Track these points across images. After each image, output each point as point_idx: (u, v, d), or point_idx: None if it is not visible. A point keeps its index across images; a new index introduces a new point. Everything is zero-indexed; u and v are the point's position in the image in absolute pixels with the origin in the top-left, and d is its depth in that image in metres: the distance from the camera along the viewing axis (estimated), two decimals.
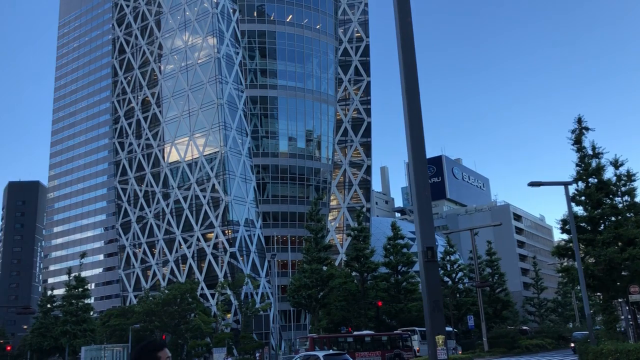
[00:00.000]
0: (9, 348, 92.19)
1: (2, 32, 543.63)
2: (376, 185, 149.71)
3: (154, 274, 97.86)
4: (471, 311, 59.45)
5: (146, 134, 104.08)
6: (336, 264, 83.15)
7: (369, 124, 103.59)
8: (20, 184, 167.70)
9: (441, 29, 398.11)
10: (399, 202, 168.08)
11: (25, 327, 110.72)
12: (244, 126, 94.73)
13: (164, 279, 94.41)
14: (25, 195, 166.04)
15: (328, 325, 58.86)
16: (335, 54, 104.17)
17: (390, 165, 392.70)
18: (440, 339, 8.87)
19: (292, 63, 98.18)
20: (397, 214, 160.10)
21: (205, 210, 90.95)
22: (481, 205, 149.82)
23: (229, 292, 74.83)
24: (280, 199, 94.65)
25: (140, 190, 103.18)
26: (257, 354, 61.54)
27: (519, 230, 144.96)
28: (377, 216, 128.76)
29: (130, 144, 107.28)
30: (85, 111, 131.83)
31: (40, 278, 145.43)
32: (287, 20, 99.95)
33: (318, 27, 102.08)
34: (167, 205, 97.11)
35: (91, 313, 74.59)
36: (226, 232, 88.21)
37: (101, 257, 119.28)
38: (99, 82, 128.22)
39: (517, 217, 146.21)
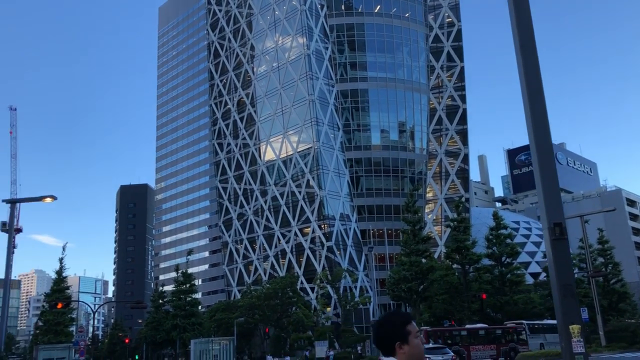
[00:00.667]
0: (127, 341, 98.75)
1: (107, 52, 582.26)
2: (474, 175, 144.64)
3: (256, 269, 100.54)
4: (583, 303, 55.52)
5: (242, 134, 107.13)
6: (435, 256, 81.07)
7: (465, 110, 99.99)
8: (131, 188, 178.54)
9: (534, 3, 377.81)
10: (499, 192, 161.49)
11: (140, 321, 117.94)
12: (336, 120, 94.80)
13: (265, 274, 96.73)
14: (135, 198, 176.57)
15: (430, 319, 57.33)
16: (425, 41, 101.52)
17: (489, 154, 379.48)
18: (575, 328, 7.76)
19: (381, 54, 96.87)
20: (498, 204, 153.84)
21: (301, 206, 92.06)
22: (589, 191, 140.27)
23: (327, 285, 75.19)
24: (375, 192, 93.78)
25: (240, 189, 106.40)
26: (359, 348, 61.24)
27: (634, 217, 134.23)
28: (477, 207, 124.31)
29: (228, 144, 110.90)
30: (185, 116, 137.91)
31: (152, 275, 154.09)
32: (375, 11, 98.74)
33: (407, 15, 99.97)
34: (265, 201, 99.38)
35: (199, 307, 77.58)
36: (322, 226, 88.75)
37: (206, 254, 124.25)
38: (197, 87, 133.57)
39: (631, 203, 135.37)
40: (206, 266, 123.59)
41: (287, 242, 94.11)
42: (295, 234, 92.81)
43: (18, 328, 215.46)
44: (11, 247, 30.33)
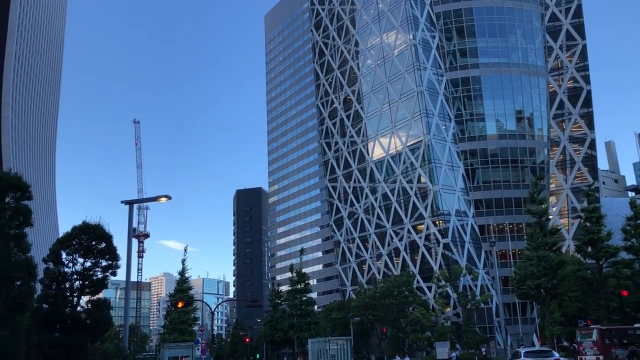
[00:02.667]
0: (247, 340, 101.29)
1: (217, 62, 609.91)
2: (602, 163, 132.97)
3: (369, 268, 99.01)
4: None
5: (350, 132, 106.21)
6: (563, 250, 74.69)
7: (589, 92, 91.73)
8: (246, 191, 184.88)
9: None
10: (631, 180, 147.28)
11: (259, 320, 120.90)
12: (447, 111, 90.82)
13: (379, 273, 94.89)
14: (250, 201, 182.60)
15: (561, 319, 52.41)
16: (541, 21, 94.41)
17: (617, 139, 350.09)
18: None
19: (493, 38, 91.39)
20: (631, 193, 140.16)
21: (414, 202, 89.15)
22: None
23: (445, 284, 71.78)
24: (493, 184, 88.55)
25: (349, 187, 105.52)
26: (483, 349, 57.53)
27: None
28: (606, 197, 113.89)
29: (336, 142, 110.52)
30: (294, 119, 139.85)
31: (269, 275, 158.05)
32: None
33: None
34: (376, 199, 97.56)
35: (315, 307, 77.43)
36: (437, 222, 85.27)
37: (320, 254, 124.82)
38: (305, 89, 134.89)
39: None
40: (320, 266, 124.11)
41: (400, 240, 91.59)
42: (409, 232, 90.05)
43: (150, 327, 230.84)
44: (130, 247, 31.03)
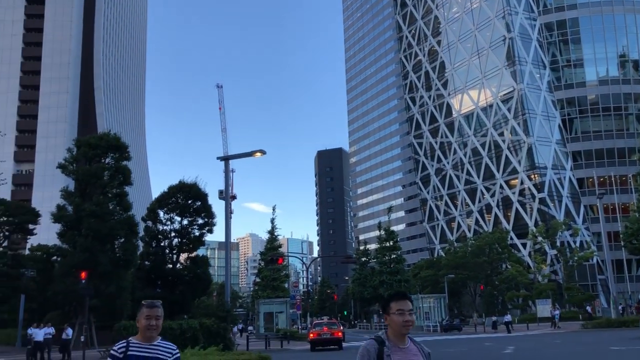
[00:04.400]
0: (335, 297, 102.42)
1: (294, 21, 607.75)
2: None
3: (459, 225, 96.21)
4: None
5: (436, 85, 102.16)
6: None
7: None
8: (327, 152, 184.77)
9: None
10: None
11: (347, 278, 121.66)
12: (541, 58, 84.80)
13: (469, 230, 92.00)
14: (331, 162, 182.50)
15: None
16: None
17: None
18: None
19: None
20: None
21: (506, 156, 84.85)
22: None
23: (542, 240, 68.26)
24: (593, 134, 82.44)
25: (436, 143, 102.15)
26: (588, 307, 54.29)
27: None
28: None
29: (421, 97, 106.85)
30: (374, 76, 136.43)
31: (352, 235, 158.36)
32: None
33: None
34: (465, 154, 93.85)
35: (404, 265, 76.40)
36: (532, 176, 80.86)
37: (402, 213, 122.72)
38: (384, 45, 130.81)
39: None
40: (403, 225, 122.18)
41: (492, 196, 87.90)
42: (501, 187, 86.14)
43: (239, 285, 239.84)
44: (228, 203, 30.77)
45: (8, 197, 68.76)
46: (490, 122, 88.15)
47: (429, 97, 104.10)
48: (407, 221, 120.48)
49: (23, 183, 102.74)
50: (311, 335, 29.49)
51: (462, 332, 50.49)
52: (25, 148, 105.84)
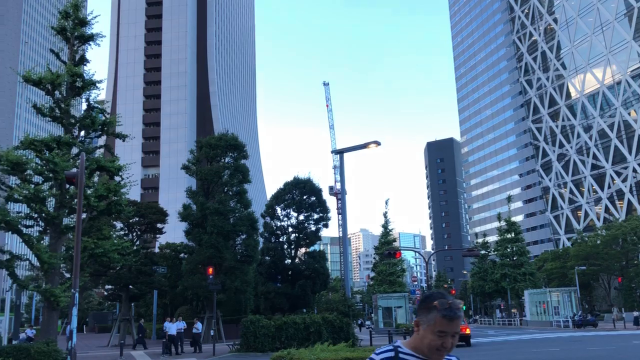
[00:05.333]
0: (453, 292, 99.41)
1: (398, 10, 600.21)
2: None
3: (586, 214, 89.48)
4: None
5: (554, 65, 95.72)
6: None
7: None
8: (437, 143, 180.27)
9: None
10: None
11: (464, 272, 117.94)
12: None
13: (598, 219, 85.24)
14: (442, 153, 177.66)
15: None
16: None
17: None
18: None
19: None
20: None
21: (639, 136, 77.51)
22: None
23: None
24: None
25: (557, 126, 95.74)
26: None
27: None
28: None
29: (538, 79, 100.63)
30: (484, 62, 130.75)
31: (467, 228, 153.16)
32: None
33: None
34: (590, 137, 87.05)
35: (528, 257, 72.42)
36: None
37: (520, 204, 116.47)
38: (494, 28, 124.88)
39: None
40: (521, 216, 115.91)
41: (623, 181, 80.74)
42: (634, 171, 78.83)
43: (353, 280, 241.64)
44: (344, 195, 30.42)
45: (138, 200, 73.84)
46: (619, 101, 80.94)
47: (547, 79, 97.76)
48: (526, 211, 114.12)
49: (150, 187, 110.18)
50: None
51: (598, 328, 46.62)
52: (150, 154, 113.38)
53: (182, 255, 44.40)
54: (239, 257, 36.70)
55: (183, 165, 37.64)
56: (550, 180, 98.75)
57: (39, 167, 22.99)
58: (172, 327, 27.33)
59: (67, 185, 22.56)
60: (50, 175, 23.07)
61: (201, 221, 35.60)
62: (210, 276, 28.70)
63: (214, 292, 28.36)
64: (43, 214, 22.64)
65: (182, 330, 28.43)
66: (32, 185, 22.73)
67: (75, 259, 15.57)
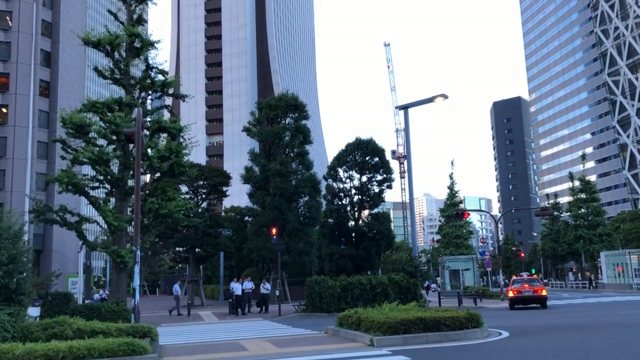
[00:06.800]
0: (522, 254, 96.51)
1: None
2: None
3: None
4: None
5: (634, 12, 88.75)
6: None
7: None
8: (503, 102, 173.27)
9: None
10: None
11: (534, 234, 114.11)
12: None
13: None
14: (509, 113, 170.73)
15: None
16: None
17: None
18: None
19: None
20: None
21: None
22: None
23: None
24: None
25: (637, 79, 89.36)
26: None
27: None
28: None
29: (616, 28, 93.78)
30: (553, 14, 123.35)
31: (536, 189, 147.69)
32: None
33: None
34: None
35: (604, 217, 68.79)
36: None
37: (592, 163, 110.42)
38: None
39: None
40: (594, 177, 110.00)
41: None
42: None
43: (417, 245, 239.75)
44: (409, 153, 29.17)
45: None
46: None
47: (626, 27, 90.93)
48: (600, 171, 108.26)
49: (215, 154, 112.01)
50: (510, 292, 27.01)
51: None
52: (214, 122, 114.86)
53: (246, 218, 44.60)
54: (302, 219, 36.33)
55: (244, 127, 37.32)
56: (628, 136, 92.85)
57: (102, 129, 23.06)
58: (238, 288, 27.36)
59: (130, 147, 22.56)
60: (114, 137, 23.13)
61: (263, 183, 35.34)
62: (274, 237, 28.39)
63: (278, 253, 28.10)
64: (108, 176, 22.80)
65: (250, 291, 28.45)
66: (97, 148, 22.86)
67: (135, 217, 15.35)
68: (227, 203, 50.92)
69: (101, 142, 24.08)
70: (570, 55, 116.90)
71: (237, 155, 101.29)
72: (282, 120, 36.76)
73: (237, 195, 51.78)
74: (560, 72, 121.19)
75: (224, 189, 40.28)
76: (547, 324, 16.71)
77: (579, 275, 72.71)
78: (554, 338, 12.80)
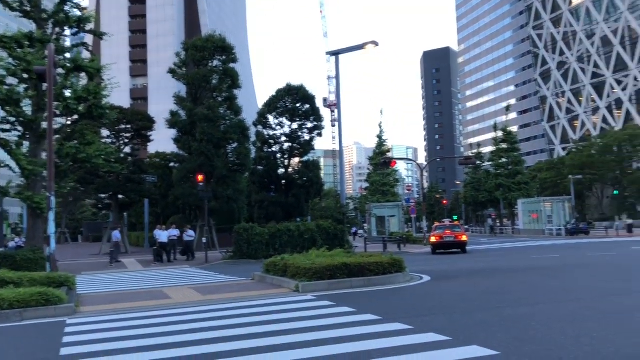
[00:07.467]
0: (445, 202, 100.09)
1: None
2: None
3: (583, 124, 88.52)
4: None
5: None
6: None
7: None
8: (433, 53, 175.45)
9: None
10: None
11: (457, 182, 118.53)
12: None
13: (595, 128, 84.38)
14: (438, 63, 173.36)
15: None
16: None
17: None
18: None
19: None
20: None
21: None
22: None
23: None
24: None
25: (559, 33, 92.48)
26: None
27: None
28: None
29: None
30: None
31: (461, 139, 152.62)
32: None
33: None
34: (592, 44, 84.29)
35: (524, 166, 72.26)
36: None
37: (514, 115, 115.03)
38: None
39: None
40: (516, 127, 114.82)
41: (623, 90, 79.13)
42: (635, 79, 77.03)
43: (346, 193, 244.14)
44: (339, 98, 28.95)
45: None
46: (625, 5, 77.60)
47: None
48: (521, 122, 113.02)
49: (139, 97, 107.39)
50: (433, 238, 27.98)
51: (590, 236, 46.91)
52: (138, 63, 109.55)
53: (172, 164, 43.41)
54: (231, 166, 35.73)
55: (170, 69, 35.72)
56: (548, 89, 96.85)
57: (12, 66, 21.30)
58: (163, 235, 26.78)
59: (44, 87, 21.05)
60: (25, 75, 21.47)
61: (190, 128, 34.28)
62: (201, 184, 27.76)
63: (205, 201, 27.58)
64: (20, 118, 21.26)
65: (176, 238, 27.92)
66: (5, 87, 21.16)
67: (49, 161, 14.43)
68: (152, 149, 49.22)
69: (11, 81, 22.31)
70: (499, 7, 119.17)
71: (163, 99, 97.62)
72: (210, 63, 35.43)
73: (163, 141, 50.07)
74: (488, 23, 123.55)
75: (148, 133, 38.77)
76: (466, 268, 17.43)
77: (497, 221, 76.51)
78: (471, 282, 13.35)
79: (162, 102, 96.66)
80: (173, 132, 36.15)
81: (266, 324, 8.16)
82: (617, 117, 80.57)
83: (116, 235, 28.68)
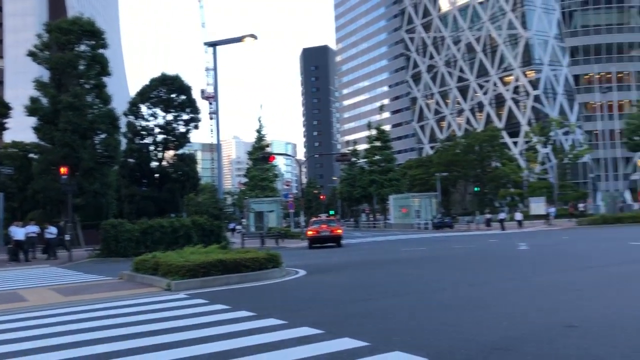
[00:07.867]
0: (323, 197, 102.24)
1: None
2: None
3: (449, 125, 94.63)
4: None
5: None
6: None
7: None
8: (312, 50, 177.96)
9: None
10: None
11: (334, 178, 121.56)
12: None
13: (459, 129, 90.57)
14: (317, 60, 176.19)
15: None
16: None
17: None
18: None
19: None
20: None
21: (502, 51, 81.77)
22: None
23: (535, 139, 67.12)
24: (592, 29, 79.22)
25: (429, 38, 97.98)
26: (581, 205, 54.16)
27: None
28: None
29: None
30: None
31: (338, 137, 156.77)
32: None
33: None
34: (459, 49, 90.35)
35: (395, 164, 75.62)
36: (527, 73, 78.35)
37: (388, 114, 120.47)
38: None
39: None
40: (389, 126, 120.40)
41: (484, 94, 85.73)
42: (495, 84, 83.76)
43: (225, 187, 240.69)
44: (217, 88, 28.29)
45: None
46: (487, 15, 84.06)
47: None
48: (394, 122, 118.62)
49: None
50: (309, 232, 28.31)
51: (454, 229, 50.21)
52: None
53: (32, 155, 39.87)
54: (99, 158, 33.48)
55: (29, 51, 32.64)
56: (418, 91, 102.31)
57: None
58: (19, 232, 24.44)
59: None
60: None
61: (53, 117, 31.63)
62: (65, 177, 25.67)
63: (69, 195, 25.58)
64: None
65: (35, 236, 25.63)
66: None
67: None
68: (7, 137, 44.90)
69: None
70: (375, 9, 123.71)
71: (22, 83, 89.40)
72: (76, 47, 32.91)
73: (21, 130, 45.87)
74: (364, 24, 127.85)
75: (4, 120, 35.23)
76: (340, 262, 17.77)
77: (370, 216, 79.43)
78: (344, 275, 13.62)
79: (20, 87, 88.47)
80: (33, 120, 33.12)
81: (134, 325, 7.64)
82: (479, 119, 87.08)
83: (15, 231, 25.77)
